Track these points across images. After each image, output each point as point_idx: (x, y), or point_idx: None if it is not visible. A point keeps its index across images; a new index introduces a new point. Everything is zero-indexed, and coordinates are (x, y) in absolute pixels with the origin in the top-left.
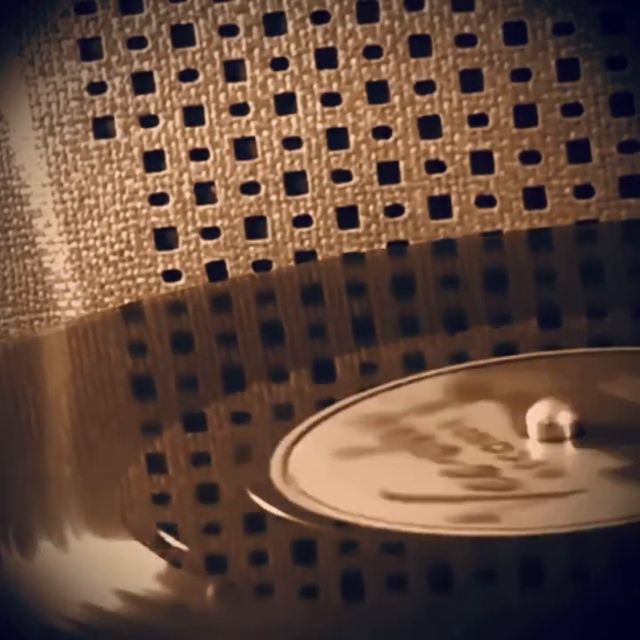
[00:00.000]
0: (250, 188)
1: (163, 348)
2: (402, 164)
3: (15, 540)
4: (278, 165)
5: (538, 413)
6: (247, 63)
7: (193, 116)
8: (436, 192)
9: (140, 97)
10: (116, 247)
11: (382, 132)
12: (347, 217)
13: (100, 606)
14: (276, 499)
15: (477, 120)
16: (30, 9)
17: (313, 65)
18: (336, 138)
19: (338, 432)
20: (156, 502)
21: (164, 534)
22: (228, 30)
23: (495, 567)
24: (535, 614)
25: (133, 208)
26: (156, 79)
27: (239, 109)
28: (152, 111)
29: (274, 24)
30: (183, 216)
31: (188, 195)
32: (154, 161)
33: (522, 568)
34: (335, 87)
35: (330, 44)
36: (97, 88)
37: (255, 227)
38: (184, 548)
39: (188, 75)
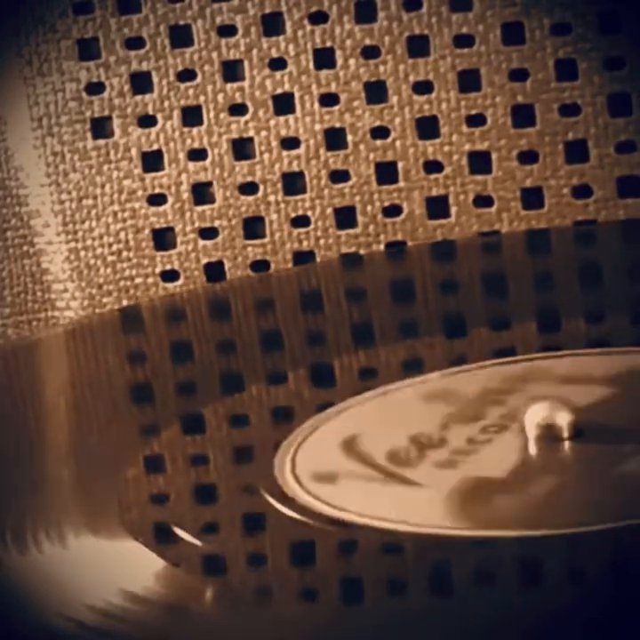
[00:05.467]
0: (248, 188)
1: (161, 353)
2: (400, 165)
3: (14, 541)
4: (277, 166)
5: (536, 414)
6: (245, 63)
7: (191, 116)
8: (434, 192)
9: (138, 97)
10: (115, 247)
11: (380, 133)
12: (345, 217)
13: (100, 606)
14: (277, 497)
15: (475, 120)
16: (28, 9)
17: (311, 65)
18: (334, 138)
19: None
20: (154, 502)
21: (177, 530)
22: (227, 30)
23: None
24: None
25: (131, 208)
26: (155, 79)
27: (237, 110)
28: (150, 111)
29: (272, 24)
30: (181, 216)
31: (186, 195)
32: (152, 161)
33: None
34: (333, 87)
35: (328, 44)
36: (95, 88)
37: (253, 227)
38: (195, 542)
39: (187, 75)
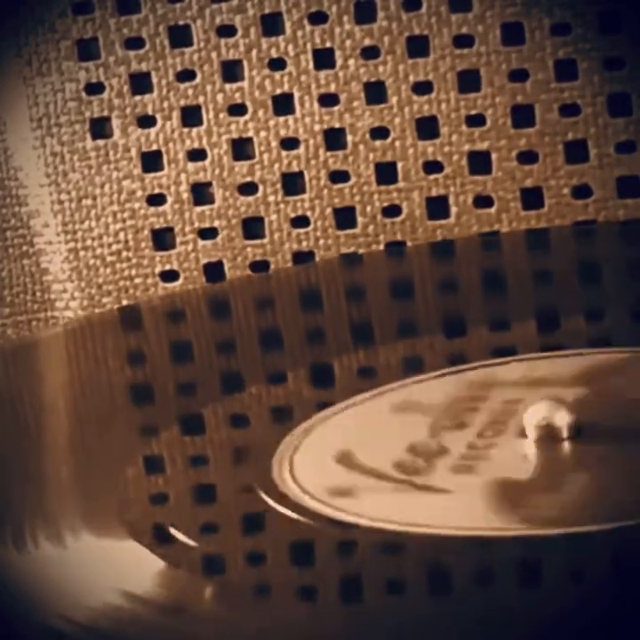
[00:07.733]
0: (248, 188)
1: (161, 352)
2: (400, 165)
3: (14, 541)
4: (276, 166)
5: (535, 414)
6: (245, 64)
7: (191, 116)
8: (434, 192)
9: (137, 97)
10: (114, 248)
11: (380, 133)
12: (345, 217)
13: (99, 606)
14: (275, 498)
15: (475, 120)
16: (28, 9)
17: (311, 65)
18: (334, 138)
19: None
20: (154, 502)
21: (172, 530)
22: (226, 31)
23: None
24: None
25: (131, 209)
26: (154, 80)
27: (237, 110)
28: (150, 112)
29: (271, 24)
30: (181, 216)
31: (185, 195)
32: (151, 161)
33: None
34: (333, 88)
35: (328, 44)
36: (95, 88)
37: (253, 227)
38: (192, 543)
39: (186, 75)
